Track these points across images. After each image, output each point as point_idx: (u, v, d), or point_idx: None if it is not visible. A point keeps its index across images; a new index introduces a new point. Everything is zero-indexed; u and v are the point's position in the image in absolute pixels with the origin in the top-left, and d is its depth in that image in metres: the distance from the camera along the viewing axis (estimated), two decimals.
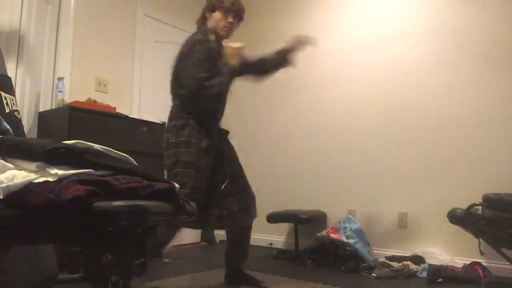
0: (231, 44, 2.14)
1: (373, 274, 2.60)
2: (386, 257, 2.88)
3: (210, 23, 2.20)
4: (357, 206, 3.34)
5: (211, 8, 2.20)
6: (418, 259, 2.77)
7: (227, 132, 2.36)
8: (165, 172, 2.15)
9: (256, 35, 4.16)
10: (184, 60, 2.10)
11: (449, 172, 2.90)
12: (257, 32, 4.16)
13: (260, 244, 3.77)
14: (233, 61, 2.11)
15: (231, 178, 2.20)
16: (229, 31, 2.21)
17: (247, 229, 2.34)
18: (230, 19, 2.18)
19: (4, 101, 1.63)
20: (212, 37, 2.16)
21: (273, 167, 3.90)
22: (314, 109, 3.70)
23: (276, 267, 2.89)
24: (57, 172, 0.88)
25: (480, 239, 2.31)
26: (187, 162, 2.05)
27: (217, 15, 2.18)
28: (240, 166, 2.34)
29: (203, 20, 2.26)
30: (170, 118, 2.19)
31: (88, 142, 1.03)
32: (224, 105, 2.32)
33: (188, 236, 3.83)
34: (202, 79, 2.00)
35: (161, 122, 3.22)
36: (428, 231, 2.95)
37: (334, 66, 3.61)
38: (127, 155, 1.11)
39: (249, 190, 2.30)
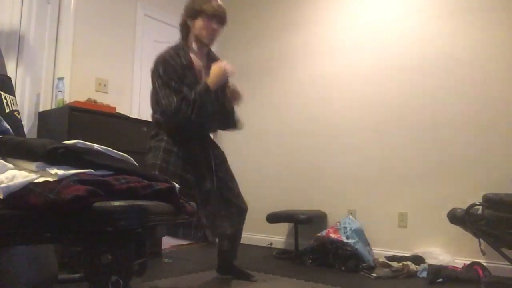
0: (220, 65, 2.08)
1: (373, 274, 2.60)
2: (386, 257, 2.88)
3: (193, 31, 2.16)
4: (357, 206, 3.33)
5: (193, 15, 2.14)
6: (418, 259, 2.77)
7: (210, 141, 2.34)
8: None
9: (253, 37, 4.16)
10: (154, 83, 2.08)
11: (449, 172, 2.90)
12: (255, 34, 4.16)
13: (260, 244, 3.77)
14: (212, 80, 2.04)
15: (218, 195, 2.19)
16: (212, 38, 2.17)
17: (237, 235, 2.39)
18: (214, 26, 2.13)
19: (4, 101, 1.63)
20: (181, 51, 2.12)
21: (273, 167, 3.90)
22: (314, 109, 3.70)
23: (276, 267, 2.89)
24: (57, 172, 0.88)
25: (480, 239, 2.31)
26: (152, 165, 2.04)
27: (199, 22, 2.12)
28: (229, 176, 2.31)
29: (185, 28, 2.20)
30: (150, 129, 2.24)
31: (88, 142, 1.03)
32: (213, 120, 2.27)
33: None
34: (177, 109, 1.97)
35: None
36: (428, 231, 2.94)
37: (334, 66, 3.61)
38: (127, 155, 1.11)
39: (239, 205, 2.28)
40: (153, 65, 2.11)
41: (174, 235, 2.08)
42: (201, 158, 2.18)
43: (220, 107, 2.25)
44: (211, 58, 2.28)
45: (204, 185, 2.15)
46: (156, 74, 2.07)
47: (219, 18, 2.14)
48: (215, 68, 2.07)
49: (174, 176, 2.01)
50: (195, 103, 1.98)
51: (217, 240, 2.39)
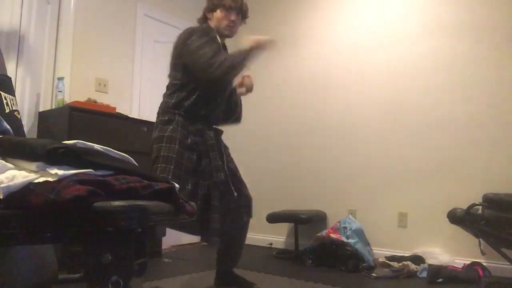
0: (251, 37, 2.02)
1: (373, 274, 2.61)
2: (386, 257, 2.88)
3: (212, 23, 2.14)
4: (357, 206, 3.34)
5: (211, 8, 2.14)
6: (418, 259, 2.77)
7: (220, 132, 2.26)
8: None
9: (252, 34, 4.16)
10: (189, 45, 2.00)
11: (449, 172, 2.91)
12: (255, 33, 4.16)
13: (260, 244, 3.78)
14: (251, 48, 2.00)
15: (223, 187, 2.08)
16: (232, 29, 2.14)
17: (241, 231, 2.23)
18: (232, 17, 2.11)
19: (4, 101, 1.63)
20: (214, 32, 2.09)
21: (273, 167, 3.90)
22: (314, 109, 3.70)
23: (276, 267, 2.89)
24: (57, 172, 0.87)
25: (480, 239, 2.31)
26: (166, 158, 1.96)
27: (218, 14, 2.11)
28: (235, 167, 2.25)
29: (204, 20, 2.20)
30: (158, 114, 2.14)
31: (88, 142, 1.03)
32: (222, 104, 2.21)
33: (188, 236, 3.83)
34: (210, 55, 1.91)
35: (159, 117, 3.21)
36: (428, 231, 2.95)
37: (334, 66, 3.61)
38: (127, 155, 1.11)
39: (243, 195, 2.20)
40: (185, 34, 2.04)
41: (173, 227, 2.03)
42: (214, 148, 2.09)
43: (228, 96, 2.24)
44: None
45: (218, 176, 2.06)
46: (194, 36, 1.99)
47: (239, 9, 2.13)
48: (252, 39, 2.01)
49: (188, 170, 1.98)
50: (231, 58, 1.95)
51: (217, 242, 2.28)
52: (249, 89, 2.29)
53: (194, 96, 2.06)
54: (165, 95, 2.15)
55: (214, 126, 2.19)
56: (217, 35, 2.10)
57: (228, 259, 2.26)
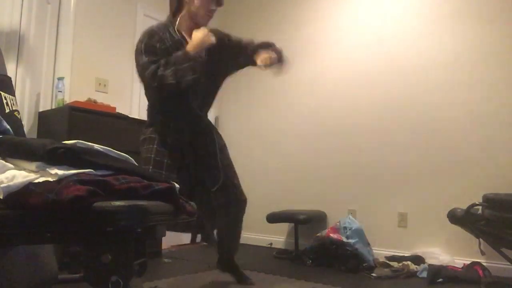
0: (195, 32, 1.95)
1: (373, 274, 2.61)
2: (386, 257, 2.88)
3: (189, 9, 2.04)
4: (357, 206, 3.34)
5: None
6: (418, 259, 2.77)
7: (213, 128, 2.25)
8: None
9: (254, 35, 4.16)
10: (135, 57, 1.98)
11: (449, 172, 2.90)
12: (256, 32, 4.16)
13: (260, 244, 3.77)
14: (193, 49, 1.90)
15: (220, 183, 2.10)
16: (209, 19, 2.07)
17: (236, 222, 2.24)
18: (212, 7, 2.04)
19: (4, 101, 1.63)
20: (169, 28, 2.02)
21: (273, 167, 3.90)
22: (314, 109, 3.70)
23: (276, 267, 2.89)
24: (57, 172, 0.88)
25: (480, 239, 2.31)
26: (145, 159, 1.99)
27: (197, 2, 2.01)
28: (228, 161, 2.23)
29: (178, 5, 2.08)
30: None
31: (88, 142, 1.03)
32: (200, 98, 2.14)
33: (188, 236, 3.83)
34: (152, 70, 1.86)
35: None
36: (428, 231, 2.94)
37: (335, 66, 3.61)
38: (127, 155, 1.11)
39: (234, 193, 2.17)
40: (138, 39, 1.99)
41: (173, 229, 2.05)
42: (200, 144, 2.10)
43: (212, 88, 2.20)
44: None
45: (201, 175, 2.09)
46: (140, 46, 1.94)
47: (216, 1, 2.06)
48: (195, 33, 1.95)
49: (170, 168, 1.98)
50: (172, 66, 1.86)
51: (215, 234, 2.31)
52: (280, 61, 2.18)
53: (161, 98, 2.03)
54: (147, 107, 2.17)
55: (198, 121, 2.15)
56: (172, 32, 2.02)
57: (226, 249, 2.31)
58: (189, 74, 1.87)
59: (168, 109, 2.06)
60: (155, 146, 2.00)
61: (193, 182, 2.09)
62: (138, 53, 1.94)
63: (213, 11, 2.07)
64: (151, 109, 2.13)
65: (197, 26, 2.04)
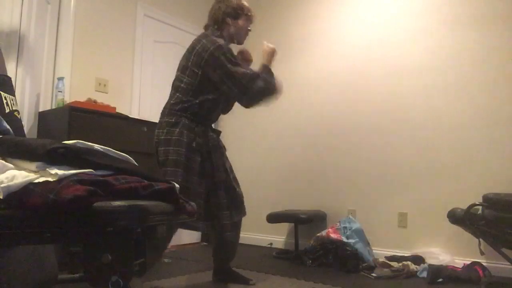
0: (268, 44, 2.22)
1: (373, 274, 2.61)
2: (386, 257, 2.88)
3: (231, 30, 2.24)
4: (357, 206, 3.34)
5: (235, 15, 2.24)
6: (418, 259, 2.77)
7: (219, 132, 2.34)
8: None
9: (255, 37, 4.16)
10: (217, 58, 2.06)
11: (449, 172, 2.91)
12: (257, 34, 4.16)
13: (260, 244, 3.78)
14: (268, 60, 2.20)
15: (225, 184, 2.19)
16: (246, 37, 2.31)
17: (235, 228, 2.27)
18: (250, 27, 2.30)
19: (4, 101, 1.63)
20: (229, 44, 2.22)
21: (273, 167, 3.90)
22: (314, 109, 3.70)
23: (276, 267, 2.89)
24: (57, 172, 0.88)
25: (480, 239, 2.31)
26: (175, 161, 2.02)
27: (241, 22, 2.25)
28: (230, 166, 2.31)
29: (221, 25, 2.24)
30: (163, 114, 2.18)
31: (88, 142, 1.03)
32: (220, 107, 2.30)
33: (188, 236, 3.83)
34: (249, 75, 2.07)
35: (163, 119, 3.21)
36: (428, 231, 2.95)
37: (334, 66, 3.61)
38: (127, 155, 1.11)
39: (238, 193, 2.27)
40: (212, 45, 2.09)
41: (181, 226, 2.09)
42: (216, 149, 2.20)
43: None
44: None
45: (220, 175, 2.16)
46: (225, 54, 2.08)
47: (253, 20, 2.31)
48: (265, 50, 2.21)
49: (195, 172, 2.05)
50: (266, 79, 2.11)
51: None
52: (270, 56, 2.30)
53: (202, 102, 2.13)
54: (172, 96, 2.18)
55: (213, 127, 2.29)
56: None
57: (223, 256, 2.34)
58: (274, 80, 2.16)
59: (205, 112, 2.16)
60: (183, 149, 2.05)
61: (210, 185, 2.15)
62: (227, 57, 2.09)
63: (250, 31, 2.32)
64: (177, 110, 2.12)
65: (234, 43, 2.29)
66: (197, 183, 2.05)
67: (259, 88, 2.09)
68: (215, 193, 2.15)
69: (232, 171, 2.29)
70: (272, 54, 2.21)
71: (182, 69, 2.15)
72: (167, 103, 2.19)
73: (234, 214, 2.20)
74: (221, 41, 2.12)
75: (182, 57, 2.21)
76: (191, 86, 2.11)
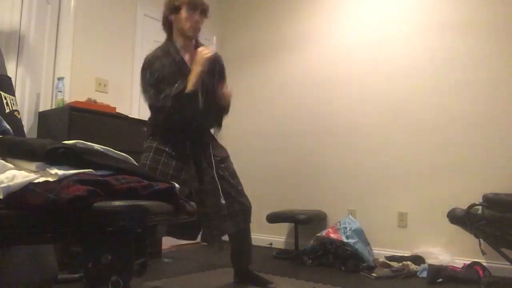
0: (201, 50, 2.05)
1: (373, 274, 2.61)
2: (386, 257, 2.88)
3: (176, 26, 2.14)
4: (357, 206, 3.34)
5: (173, 9, 2.12)
6: (418, 259, 2.77)
7: (205, 144, 2.22)
8: None
9: (254, 39, 4.16)
10: (141, 81, 2.13)
11: (449, 172, 2.90)
12: (255, 36, 4.16)
13: (260, 244, 3.77)
14: (198, 68, 2.01)
15: (224, 193, 2.14)
16: (196, 29, 2.13)
17: (244, 235, 2.31)
18: (196, 17, 2.10)
19: (4, 101, 1.63)
20: (171, 50, 2.13)
21: (273, 167, 3.90)
22: (314, 109, 3.70)
23: (276, 267, 2.89)
24: (57, 172, 0.88)
25: (480, 239, 2.31)
26: (142, 165, 2.05)
27: (181, 14, 2.09)
28: (234, 173, 2.27)
29: (168, 24, 2.19)
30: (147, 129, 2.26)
31: (88, 142, 1.03)
32: (202, 117, 2.18)
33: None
34: (156, 98, 2.02)
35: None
36: (428, 231, 2.94)
37: (334, 66, 3.61)
38: (127, 155, 1.11)
39: (242, 201, 2.22)
40: (141, 68, 2.13)
41: (172, 234, 2.08)
42: (197, 157, 2.14)
43: (214, 104, 2.22)
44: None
45: (201, 184, 2.11)
46: (142, 77, 2.10)
47: (200, 8, 2.12)
48: (198, 56, 2.05)
49: (165, 175, 2.03)
50: (173, 100, 1.99)
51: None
52: (226, 100, 2.29)
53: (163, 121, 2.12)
54: (148, 119, 2.26)
55: (197, 136, 2.20)
56: (174, 47, 2.14)
57: (239, 260, 2.36)
58: (187, 108, 2.02)
59: (170, 126, 2.13)
60: (151, 153, 2.09)
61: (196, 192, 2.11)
62: (144, 79, 2.08)
63: (198, 21, 2.12)
64: (150, 125, 2.21)
65: (189, 39, 2.16)
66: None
67: (166, 120, 2.06)
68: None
69: (229, 180, 2.20)
70: (201, 61, 2.02)
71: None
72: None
73: (229, 222, 2.14)
74: (151, 55, 2.13)
75: None
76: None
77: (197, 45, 2.21)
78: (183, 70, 2.08)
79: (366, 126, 3.36)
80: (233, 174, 2.26)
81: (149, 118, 2.24)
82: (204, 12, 2.14)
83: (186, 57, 2.16)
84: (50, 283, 1.61)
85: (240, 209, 2.19)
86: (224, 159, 2.27)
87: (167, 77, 2.04)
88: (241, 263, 2.37)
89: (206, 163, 2.15)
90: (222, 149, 2.33)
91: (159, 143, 2.12)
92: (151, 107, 2.12)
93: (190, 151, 2.13)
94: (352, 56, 3.51)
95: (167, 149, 2.10)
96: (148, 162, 2.07)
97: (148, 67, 2.07)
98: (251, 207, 2.26)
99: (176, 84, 2.02)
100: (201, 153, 2.17)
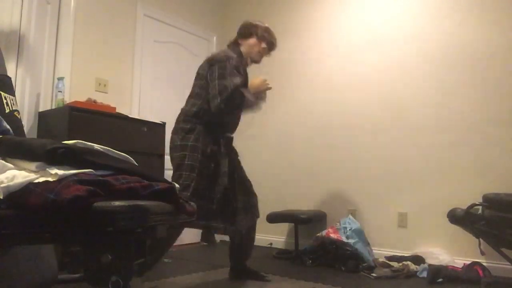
0: (264, 80, 2.30)
1: (373, 274, 2.60)
2: (386, 257, 2.88)
3: (244, 48, 2.37)
4: (357, 206, 3.34)
5: (246, 35, 2.38)
6: (418, 259, 2.77)
7: (231, 139, 2.42)
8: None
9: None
10: (219, 70, 2.19)
11: (449, 172, 2.90)
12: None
13: (260, 244, 3.77)
14: (254, 91, 2.28)
15: (241, 190, 2.32)
16: (261, 56, 2.39)
17: (250, 231, 2.41)
18: (263, 45, 2.36)
19: (4, 101, 1.63)
20: (240, 58, 2.31)
21: (273, 167, 3.90)
22: (314, 110, 3.70)
23: (276, 267, 2.89)
24: (57, 172, 0.88)
25: (480, 239, 2.31)
26: (190, 166, 2.12)
27: (252, 41, 2.36)
28: (244, 172, 2.45)
29: (235, 45, 2.40)
30: (178, 121, 2.28)
31: (88, 142, 1.03)
32: (237, 119, 2.42)
33: (188, 236, 3.83)
34: (235, 85, 2.14)
35: (161, 122, 3.22)
36: (428, 231, 2.94)
37: (334, 66, 3.61)
38: (127, 155, 1.11)
39: (253, 195, 2.41)
40: (216, 59, 2.23)
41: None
42: (229, 154, 2.30)
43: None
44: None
45: (223, 180, 2.23)
46: (222, 66, 2.19)
47: (269, 41, 2.39)
48: (256, 80, 2.29)
49: (208, 177, 2.16)
50: (232, 92, 2.14)
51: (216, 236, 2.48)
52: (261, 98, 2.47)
53: (211, 120, 2.23)
54: (187, 102, 2.31)
55: (227, 134, 2.36)
56: (241, 58, 2.33)
57: (240, 254, 2.45)
58: (238, 104, 2.24)
59: (219, 120, 2.25)
60: (199, 155, 2.15)
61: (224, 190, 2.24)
62: (224, 68, 2.19)
63: (264, 50, 2.39)
64: (192, 116, 2.24)
65: (249, 62, 2.42)
66: (207, 188, 2.16)
67: (220, 109, 2.15)
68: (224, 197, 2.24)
69: (241, 179, 2.39)
70: (261, 89, 2.31)
71: (199, 77, 2.28)
72: (182, 109, 2.30)
73: (249, 216, 2.33)
74: (228, 53, 2.27)
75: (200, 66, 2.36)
76: (204, 94, 2.23)
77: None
78: (245, 78, 2.34)
79: (366, 126, 3.36)
80: (243, 169, 2.46)
81: (186, 110, 2.27)
82: (271, 45, 2.42)
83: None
84: (50, 283, 1.61)
85: (254, 203, 2.39)
86: (239, 161, 2.47)
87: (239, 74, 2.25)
88: (240, 258, 2.45)
89: (235, 161, 2.37)
90: (236, 151, 2.49)
91: (203, 144, 2.18)
92: (216, 95, 2.14)
93: (224, 147, 2.26)
94: (352, 57, 3.51)
95: (208, 150, 2.18)
96: (198, 164, 2.13)
97: (228, 59, 2.22)
98: (257, 200, 2.45)
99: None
100: (230, 150, 2.34)
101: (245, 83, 2.31)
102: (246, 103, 2.27)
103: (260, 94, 2.35)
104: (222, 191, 2.20)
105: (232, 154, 2.37)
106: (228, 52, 2.29)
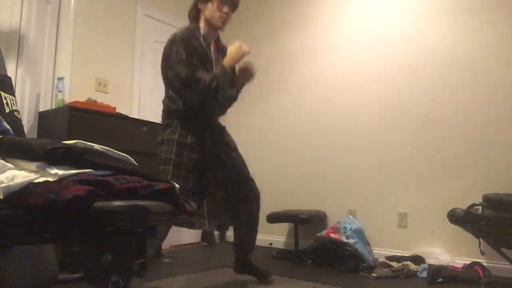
0: (237, 44, 2.09)
1: (373, 274, 2.61)
2: (386, 257, 2.88)
3: (204, 14, 2.14)
4: (357, 206, 3.33)
5: None
6: (418, 259, 2.77)
7: (221, 129, 2.31)
8: None
9: (253, 37, 4.16)
10: (166, 61, 2.11)
11: (449, 172, 2.90)
12: (254, 34, 4.16)
13: (260, 244, 3.76)
14: (229, 62, 2.07)
15: (232, 182, 2.21)
16: (224, 21, 2.14)
17: (253, 222, 2.31)
18: (225, 9, 2.10)
19: (4, 101, 1.63)
20: (197, 33, 2.11)
21: (273, 167, 3.90)
22: (314, 109, 3.70)
23: (276, 267, 2.89)
24: (57, 172, 0.88)
25: (480, 239, 2.31)
26: (166, 160, 2.04)
27: (211, 5, 2.10)
28: (242, 160, 2.32)
29: (195, 11, 2.19)
30: (162, 118, 2.22)
31: (88, 142, 1.03)
32: (220, 105, 2.26)
33: (188, 236, 3.83)
34: (188, 77, 1.99)
35: (161, 122, 3.22)
36: (428, 231, 2.94)
37: (334, 67, 3.61)
38: (127, 155, 1.11)
39: (249, 181, 2.30)
40: (170, 44, 2.09)
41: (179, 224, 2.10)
42: (215, 149, 2.19)
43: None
44: (220, 44, 2.27)
45: (218, 175, 2.16)
46: (174, 49, 2.04)
47: (231, 2, 2.13)
48: (231, 48, 2.09)
49: (188, 169, 2.04)
50: (212, 85, 1.97)
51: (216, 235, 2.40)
52: (250, 79, 2.33)
53: (184, 103, 2.12)
54: (164, 100, 2.22)
55: (214, 123, 2.26)
56: (199, 33, 2.12)
57: (242, 247, 2.38)
58: (227, 90, 2.07)
59: (194, 111, 2.12)
60: (174, 147, 2.06)
61: (209, 183, 2.15)
62: (177, 52, 2.02)
63: (227, 13, 2.12)
64: (169, 112, 2.16)
65: (214, 30, 2.16)
66: (190, 180, 2.05)
67: (193, 95, 2.04)
68: (216, 191, 2.16)
69: (238, 167, 2.26)
70: (238, 56, 2.08)
71: (161, 72, 2.20)
72: (162, 107, 2.23)
73: (242, 207, 2.23)
74: (180, 31, 2.07)
75: None
76: (169, 88, 2.15)
77: (218, 39, 2.26)
78: (209, 57, 2.12)
79: (366, 126, 3.36)
80: (243, 161, 2.33)
81: (167, 104, 2.17)
82: (234, 6, 2.15)
83: (209, 46, 2.18)
84: (50, 283, 1.61)
85: (252, 196, 2.29)
86: (235, 146, 2.34)
87: (200, 57, 2.04)
88: (243, 251, 2.39)
89: (225, 152, 2.23)
90: (229, 135, 2.37)
91: (180, 135, 2.08)
92: (184, 83, 2.03)
93: (210, 141, 2.16)
94: (352, 58, 3.51)
95: (188, 141, 2.09)
96: (173, 157, 2.04)
97: (182, 41, 2.02)
98: (259, 193, 2.36)
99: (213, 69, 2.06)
100: (220, 145, 2.22)
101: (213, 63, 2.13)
102: (224, 94, 2.08)
103: (240, 62, 2.13)
104: (213, 185, 2.13)
105: (222, 144, 2.23)
106: (183, 32, 2.06)
